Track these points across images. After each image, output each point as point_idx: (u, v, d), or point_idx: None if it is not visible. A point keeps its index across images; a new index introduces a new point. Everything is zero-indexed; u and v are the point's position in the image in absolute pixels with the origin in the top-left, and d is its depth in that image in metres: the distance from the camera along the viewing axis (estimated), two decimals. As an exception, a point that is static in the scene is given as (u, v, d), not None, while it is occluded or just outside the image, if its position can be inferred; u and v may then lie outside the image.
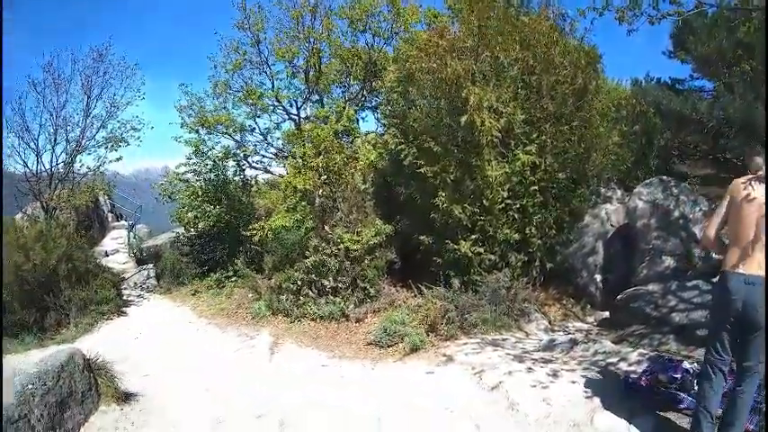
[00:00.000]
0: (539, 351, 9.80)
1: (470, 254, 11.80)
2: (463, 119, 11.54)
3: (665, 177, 13.70)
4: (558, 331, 11.54)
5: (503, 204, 11.95)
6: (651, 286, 11.39)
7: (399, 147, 13.08)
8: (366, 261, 12.78)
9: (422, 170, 12.14)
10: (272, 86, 19.23)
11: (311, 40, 18.73)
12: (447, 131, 12.40)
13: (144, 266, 20.24)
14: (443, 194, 11.93)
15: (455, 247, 11.83)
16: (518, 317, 11.52)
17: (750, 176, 5.50)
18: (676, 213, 12.56)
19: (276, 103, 19.40)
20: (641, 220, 12.77)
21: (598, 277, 13.25)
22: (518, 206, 12.07)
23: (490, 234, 11.93)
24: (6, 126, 17.56)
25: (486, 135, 11.55)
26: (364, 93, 20.14)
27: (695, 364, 7.37)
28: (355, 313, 12.24)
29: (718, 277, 5.61)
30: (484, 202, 11.78)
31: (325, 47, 19.19)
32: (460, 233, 11.99)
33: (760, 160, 5.59)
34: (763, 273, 5.19)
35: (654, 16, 9.65)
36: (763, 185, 5.35)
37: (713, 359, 5.58)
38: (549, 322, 11.95)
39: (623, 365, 8.57)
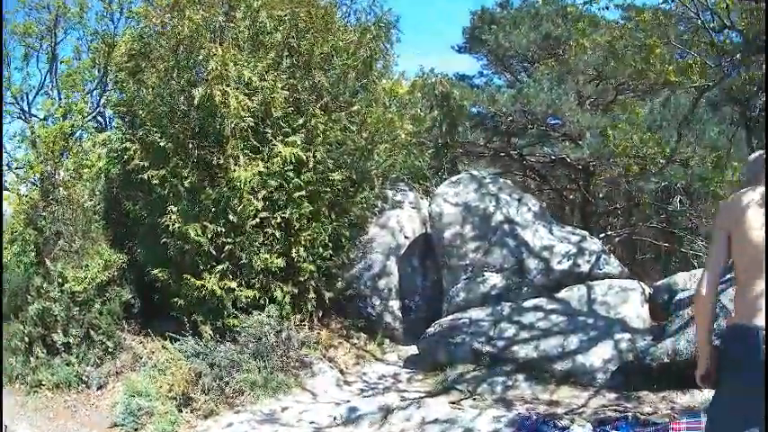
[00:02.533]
0: (338, 426, 7.76)
1: (219, 291, 9.28)
2: (197, 92, 9.06)
3: (476, 173, 12.18)
4: (356, 382, 9.51)
5: (257, 219, 9.53)
6: (474, 312, 9.74)
7: (124, 145, 10.42)
8: (97, 305, 10.11)
9: (146, 175, 9.56)
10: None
11: (50, 7, 15.28)
12: (183, 118, 9.82)
13: None
14: (175, 209, 9.38)
15: (198, 282, 9.25)
16: (298, 370, 9.29)
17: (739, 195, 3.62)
18: (499, 217, 10.77)
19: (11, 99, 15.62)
20: (450, 229, 10.81)
21: (395, 304, 11.35)
22: (279, 220, 9.71)
23: (244, 262, 9.50)
24: None
25: (231, 119, 9.16)
26: (104, 85, 16.59)
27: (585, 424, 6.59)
28: (96, 377, 9.67)
29: (727, 332, 3.57)
30: (230, 217, 9.29)
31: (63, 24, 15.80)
32: (203, 263, 9.48)
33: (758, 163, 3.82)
34: None
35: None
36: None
37: None
38: (341, 371, 9.79)
39: (476, 440, 6.62)
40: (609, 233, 16.90)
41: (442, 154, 14.45)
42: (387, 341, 10.96)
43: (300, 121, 9.92)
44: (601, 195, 17.25)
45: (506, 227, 10.57)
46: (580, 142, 14.27)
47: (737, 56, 9.11)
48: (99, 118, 16.22)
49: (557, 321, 9.01)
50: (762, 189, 3.55)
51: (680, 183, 13.82)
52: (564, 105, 13.78)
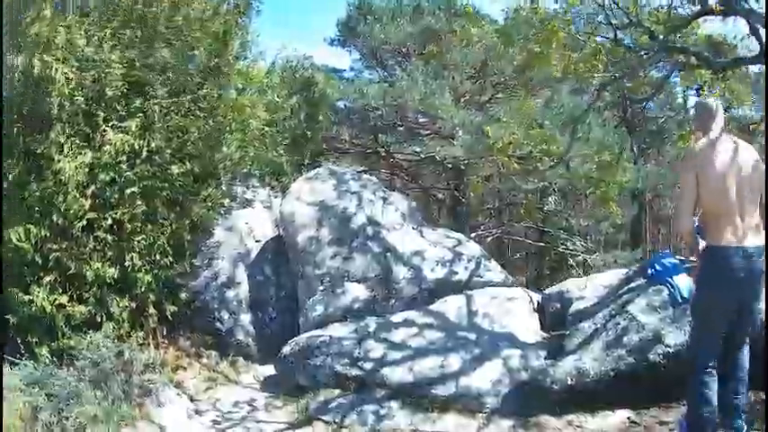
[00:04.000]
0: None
1: (50, 306, 8.07)
2: (18, 62, 8.05)
3: (336, 167, 11.80)
4: (208, 411, 8.38)
5: (85, 220, 8.34)
6: (335, 329, 8.96)
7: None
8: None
9: (-31, 166, 8.68)
10: None
11: None
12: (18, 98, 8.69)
13: None
14: (-6, 208, 8.50)
15: (26, 297, 8.07)
16: (143, 398, 8.02)
17: (714, 137, 5.08)
18: (361, 218, 10.11)
19: None
20: (304, 232, 10.05)
21: (246, 318, 10.22)
22: (110, 222, 8.56)
23: (74, 272, 8.30)
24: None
25: (56, 98, 8.01)
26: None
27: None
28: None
29: (707, 256, 5.06)
30: (55, 217, 8.13)
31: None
32: (30, 273, 8.27)
33: (717, 119, 5.14)
34: (759, 242, 4.92)
35: None
36: (733, 144, 5.06)
37: (708, 365, 5.03)
38: (192, 398, 8.67)
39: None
40: (480, 233, 17.12)
41: (301, 146, 13.73)
42: (240, 360, 9.96)
43: (137, 103, 8.95)
44: (472, 194, 17.31)
45: (370, 230, 10.00)
46: (452, 140, 14.30)
47: (643, 54, 9.05)
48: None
49: (433, 338, 8.44)
50: (711, 138, 4.99)
51: (559, 183, 14.31)
52: (438, 101, 13.46)
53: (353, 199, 10.27)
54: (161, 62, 9.20)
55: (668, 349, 6.77)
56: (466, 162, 15.60)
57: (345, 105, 17.04)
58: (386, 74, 18.33)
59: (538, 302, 9.47)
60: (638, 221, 22.29)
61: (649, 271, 7.93)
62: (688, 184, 5.01)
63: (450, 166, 16.29)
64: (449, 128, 14.69)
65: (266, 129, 11.14)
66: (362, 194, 10.35)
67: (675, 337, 6.82)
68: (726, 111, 12.22)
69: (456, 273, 9.58)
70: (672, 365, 6.66)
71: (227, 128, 10.19)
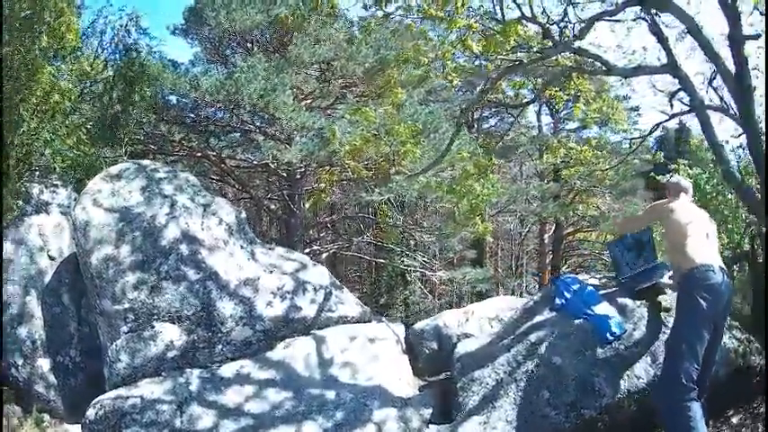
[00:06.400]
0: None
1: None
2: None
3: (147, 162, 9.22)
4: None
5: None
6: (148, 387, 6.59)
7: None
8: None
9: None
10: None
11: None
12: None
13: None
14: None
15: None
16: None
17: (672, 200, 6.04)
18: (174, 232, 7.48)
19: None
20: (101, 249, 7.29)
21: (44, 363, 7.76)
22: None
23: None
24: None
25: None
26: None
27: None
28: None
29: (686, 277, 5.33)
30: None
31: None
32: None
33: (683, 184, 6.28)
34: (720, 262, 5.65)
35: None
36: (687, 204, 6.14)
37: (694, 369, 5.09)
38: None
39: None
40: (315, 248, 16.34)
41: (114, 134, 11.03)
42: (47, 417, 7.57)
43: None
44: (307, 206, 16.27)
45: (185, 248, 7.53)
46: (289, 145, 13.35)
47: (536, 50, 7.85)
48: None
49: (277, 400, 6.42)
50: (680, 200, 5.96)
51: (409, 194, 13.65)
52: (278, 98, 12.33)
53: (165, 205, 7.79)
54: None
55: (605, 400, 5.53)
56: (303, 170, 14.86)
57: (178, 101, 15.68)
58: (226, 70, 17.14)
59: (405, 339, 7.88)
60: (481, 237, 21.32)
61: (558, 301, 6.57)
62: (646, 218, 6.66)
63: (285, 174, 15.49)
64: (287, 131, 13.78)
65: (68, 105, 8.84)
66: (177, 199, 7.90)
67: (612, 385, 5.61)
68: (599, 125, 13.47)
69: (300, 308, 7.49)
70: (612, 419, 5.51)
71: (22, 110, 7.90)
